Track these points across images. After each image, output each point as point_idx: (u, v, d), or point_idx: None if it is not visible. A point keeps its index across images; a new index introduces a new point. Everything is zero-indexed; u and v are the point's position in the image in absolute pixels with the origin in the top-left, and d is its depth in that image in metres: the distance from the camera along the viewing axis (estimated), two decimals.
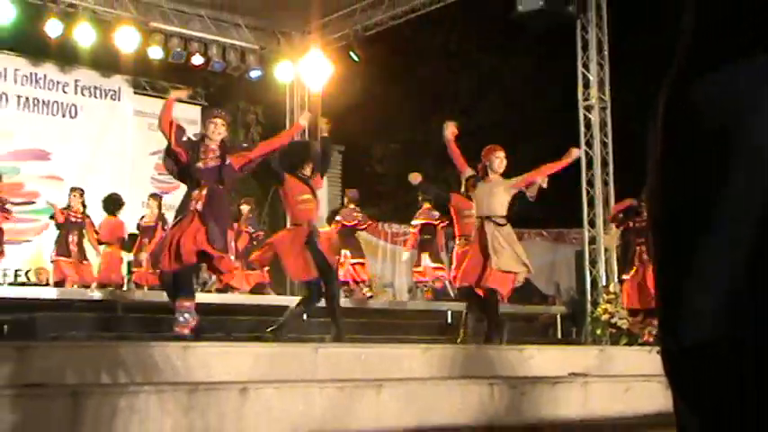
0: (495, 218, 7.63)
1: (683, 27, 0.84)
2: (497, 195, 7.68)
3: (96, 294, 10.29)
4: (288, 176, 7.57)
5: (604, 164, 10.45)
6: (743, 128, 0.77)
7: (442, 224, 11.51)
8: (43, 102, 13.88)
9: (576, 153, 8.40)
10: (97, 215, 12.01)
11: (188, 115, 15.21)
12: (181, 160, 6.65)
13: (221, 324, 8.37)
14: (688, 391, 0.80)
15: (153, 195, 12.73)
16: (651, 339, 8.99)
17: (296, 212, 7.65)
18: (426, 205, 11.82)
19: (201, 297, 7.86)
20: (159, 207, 12.34)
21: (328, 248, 7.94)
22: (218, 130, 6.76)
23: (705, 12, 0.82)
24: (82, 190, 11.85)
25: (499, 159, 7.77)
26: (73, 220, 11.58)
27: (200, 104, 15.39)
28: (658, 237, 0.85)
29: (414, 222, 12.04)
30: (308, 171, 7.69)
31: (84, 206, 11.80)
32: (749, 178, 0.77)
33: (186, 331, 6.41)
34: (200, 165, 6.63)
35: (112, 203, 11.88)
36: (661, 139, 0.84)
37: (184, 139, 6.72)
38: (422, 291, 12.60)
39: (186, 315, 6.46)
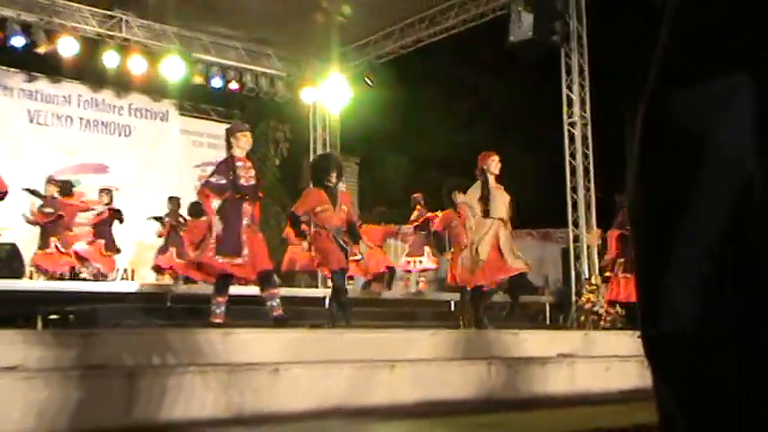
0: (500, 219, 7.61)
1: (659, 44, 0.83)
2: (501, 200, 7.66)
3: (148, 288, 10.31)
4: (313, 188, 7.55)
5: (586, 172, 10.41)
6: (712, 141, 0.76)
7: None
8: (102, 123, 13.92)
9: None
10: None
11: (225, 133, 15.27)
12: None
13: (255, 312, 8.36)
14: (664, 372, 0.79)
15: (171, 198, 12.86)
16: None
17: (317, 220, 7.58)
18: (419, 207, 11.83)
19: (243, 289, 7.89)
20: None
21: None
22: (249, 141, 6.79)
23: (680, 31, 0.80)
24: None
25: (494, 162, 7.75)
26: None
27: None
28: (637, 234, 0.83)
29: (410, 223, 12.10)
30: (333, 179, 7.64)
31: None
32: (717, 186, 0.75)
33: (218, 320, 6.51)
34: (242, 182, 6.64)
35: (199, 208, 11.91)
36: (638, 147, 0.83)
37: (219, 179, 6.71)
38: (416, 280, 12.58)
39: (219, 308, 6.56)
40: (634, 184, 0.82)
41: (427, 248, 12.19)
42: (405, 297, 11.86)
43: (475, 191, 7.76)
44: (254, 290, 7.28)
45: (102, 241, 11.33)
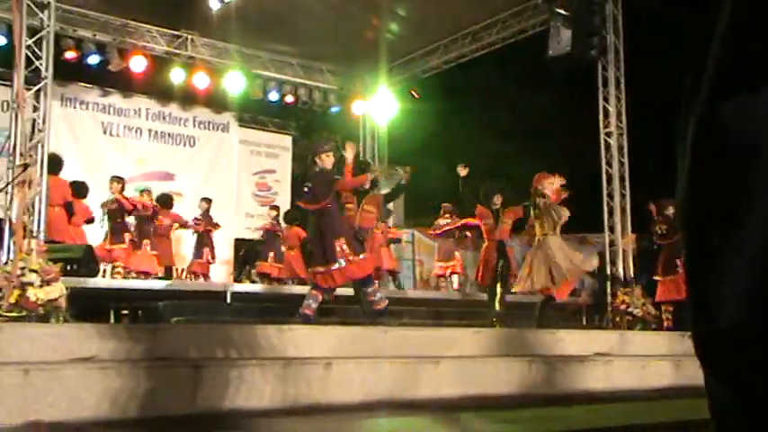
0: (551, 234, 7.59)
1: (710, 56, 0.80)
2: (552, 219, 7.63)
3: (211, 286, 10.43)
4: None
5: (622, 180, 10.25)
6: (765, 150, 0.74)
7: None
8: (169, 134, 14.11)
9: None
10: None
11: (281, 143, 15.40)
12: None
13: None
14: (717, 369, 0.77)
15: (273, 207, 13.03)
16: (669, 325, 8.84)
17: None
18: (447, 215, 12.06)
19: (299, 288, 7.93)
20: (276, 217, 12.60)
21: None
22: (332, 160, 6.85)
23: (731, 44, 0.78)
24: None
25: (550, 184, 7.69)
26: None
27: (291, 134, 15.52)
28: (688, 238, 0.81)
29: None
30: (367, 185, 7.71)
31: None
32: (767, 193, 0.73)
33: (305, 311, 6.56)
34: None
35: (293, 215, 12.02)
36: (690, 157, 0.81)
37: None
38: (448, 282, 12.62)
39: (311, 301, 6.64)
40: (686, 193, 0.80)
41: (456, 253, 12.27)
42: (446, 297, 11.81)
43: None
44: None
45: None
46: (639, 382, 5.80)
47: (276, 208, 13.10)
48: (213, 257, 12.41)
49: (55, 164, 8.68)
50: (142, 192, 11.54)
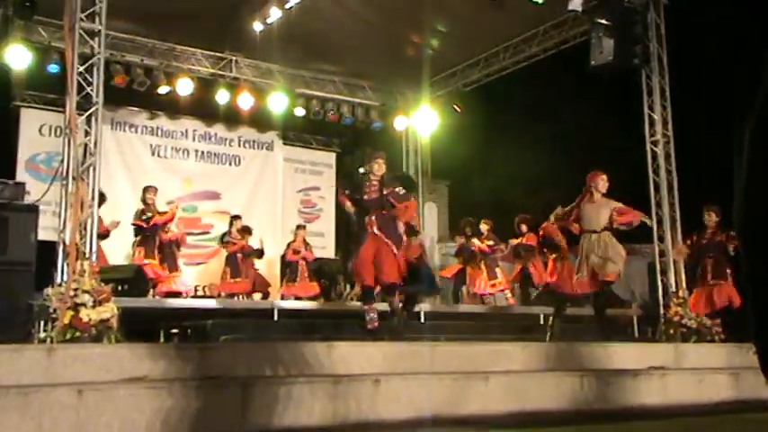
0: (599, 230, 7.56)
1: (763, 75, 0.76)
2: (603, 215, 7.63)
3: (257, 304, 10.46)
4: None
5: (670, 188, 10.03)
6: None
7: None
8: (215, 154, 14.25)
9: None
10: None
11: (325, 160, 15.46)
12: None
13: (358, 326, 8.35)
14: None
15: (299, 226, 13.03)
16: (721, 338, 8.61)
17: None
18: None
19: (343, 305, 7.92)
20: (303, 237, 12.62)
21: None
22: (381, 168, 6.92)
23: None
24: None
25: (603, 181, 7.77)
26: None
27: (335, 151, 15.58)
28: (748, 252, 0.77)
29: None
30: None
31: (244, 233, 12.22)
32: None
33: (371, 327, 6.60)
34: (366, 197, 6.80)
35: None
36: (747, 169, 0.77)
37: (351, 192, 6.91)
38: (496, 299, 12.56)
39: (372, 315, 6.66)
40: (744, 207, 0.76)
41: (499, 270, 12.19)
42: (495, 311, 11.68)
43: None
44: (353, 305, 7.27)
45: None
46: (697, 396, 5.63)
47: (303, 227, 13.08)
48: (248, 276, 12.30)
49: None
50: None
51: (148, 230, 10.64)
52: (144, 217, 10.63)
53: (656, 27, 10.22)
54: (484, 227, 12.57)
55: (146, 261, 10.40)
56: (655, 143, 10.15)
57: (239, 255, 12.04)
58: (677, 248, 9.62)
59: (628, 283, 12.63)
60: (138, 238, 10.69)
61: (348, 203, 6.97)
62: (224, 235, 12.28)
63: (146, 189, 11.01)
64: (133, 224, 10.68)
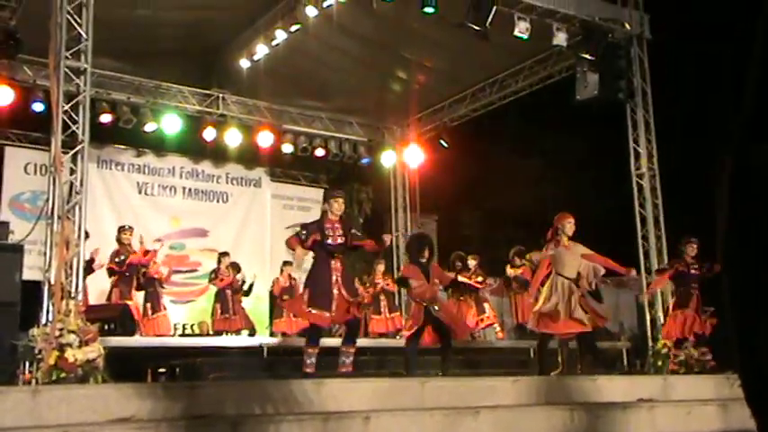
0: (571, 279, 7.55)
1: (743, 105, 0.80)
2: (572, 261, 7.61)
3: (246, 341, 10.41)
4: (409, 264, 7.64)
5: (656, 221, 10.14)
6: None
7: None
8: (202, 191, 14.26)
9: (633, 272, 8.55)
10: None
11: (313, 196, 15.50)
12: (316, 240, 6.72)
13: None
14: (765, 413, 0.75)
15: (285, 263, 13.00)
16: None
17: (412, 295, 7.68)
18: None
19: (332, 341, 7.91)
20: (289, 273, 12.60)
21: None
22: (340, 207, 6.84)
23: (763, 89, 0.78)
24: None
25: (570, 225, 7.71)
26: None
27: (323, 187, 15.64)
28: (731, 279, 0.80)
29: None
30: (425, 256, 7.73)
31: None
32: None
33: (309, 370, 6.49)
34: (330, 241, 6.68)
35: None
36: (728, 199, 0.80)
37: (309, 231, 6.77)
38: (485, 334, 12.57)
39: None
40: (726, 236, 0.79)
41: (486, 305, 12.21)
42: (485, 346, 11.67)
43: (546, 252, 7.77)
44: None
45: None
46: (685, 428, 5.64)
47: (289, 263, 13.03)
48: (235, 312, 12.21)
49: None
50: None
51: (125, 271, 10.50)
52: (117, 260, 10.32)
53: (639, 62, 10.41)
54: (472, 262, 12.61)
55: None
56: (640, 176, 10.27)
57: (228, 291, 12.00)
58: (655, 282, 9.62)
59: (616, 315, 12.69)
60: (114, 278, 10.51)
61: (299, 248, 6.74)
62: (213, 272, 12.23)
63: (120, 229, 10.65)
64: (108, 267, 10.49)
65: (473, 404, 5.46)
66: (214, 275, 12.08)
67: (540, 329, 7.70)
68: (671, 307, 9.33)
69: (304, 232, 6.74)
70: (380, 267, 12.82)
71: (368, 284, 12.52)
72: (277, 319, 12.39)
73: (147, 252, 10.67)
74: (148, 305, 10.87)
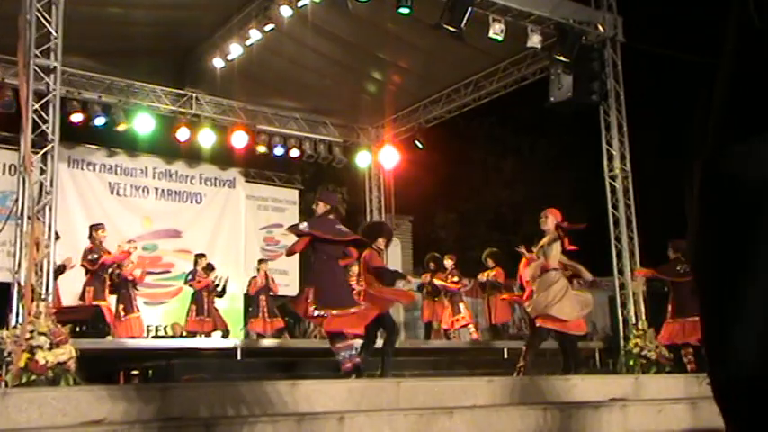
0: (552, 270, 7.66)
1: (714, 106, 0.82)
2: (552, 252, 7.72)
3: (220, 343, 10.36)
4: (368, 249, 7.64)
5: (629, 223, 10.24)
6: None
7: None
8: (175, 192, 14.17)
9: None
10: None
11: (288, 197, 15.48)
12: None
13: (322, 364, 8.33)
14: (734, 414, 0.76)
15: (261, 261, 12.99)
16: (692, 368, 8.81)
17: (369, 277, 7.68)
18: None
19: (307, 342, 7.89)
20: (266, 271, 12.57)
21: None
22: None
23: (737, 88, 0.79)
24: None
25: (545, 219, 7.87)
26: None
27: (297, 188, 15.63)
28: (702, 285, 0.81)
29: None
30: (381, 245, 7.77)
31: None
32: None
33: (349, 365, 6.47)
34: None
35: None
36: (698, 203, 0.81)
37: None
38: (460, 334, 12.63)
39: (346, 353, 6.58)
40: (696, 238, 0.80)
41: (462, 305, 12.27)
42: (459, 346, 11.72)
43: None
44: (319, 342, 7.24)
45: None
46: (656, 427, 5.71)
47: (265, 261, 13.04)
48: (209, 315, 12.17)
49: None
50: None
51: (98, 271, 10.40)
52: (90, 257, 10.29)
53: (613, 64, 10.52)
54: (448, 262, 12.66)
55: (94, 303, 10.10)
56: (613, 178, 10.38)
57: (204, 293, 11.95)
58: (636, 281, 9.79)
59: (589, 315, 12.81)
60: (88, 277, 10.45)
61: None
62: (189, 273, 12.13)
63: (93, 227, 10.64)
64: (81, 265, 10.42)
65: (448, 404, 5.50)
66: (191, 277, 11.99)
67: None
68: (669, 314, 9.42)
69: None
70: (355, 269, 12.82)
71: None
72: (253, 318, 12.35)
73: (122, 253, 10.66)
74: (121, 306, 10.77)
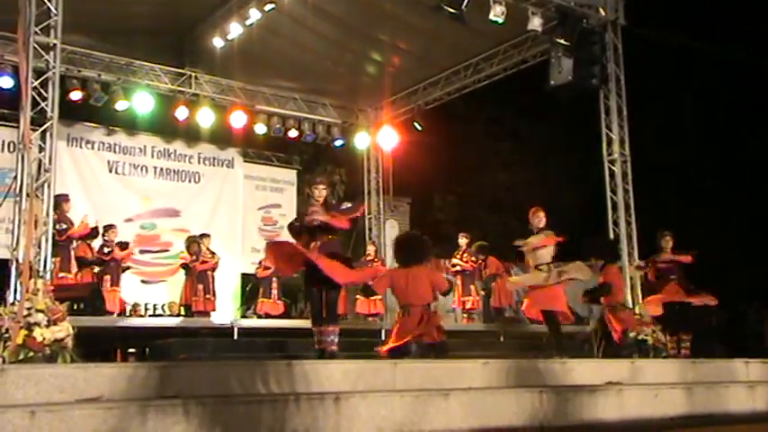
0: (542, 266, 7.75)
1: None
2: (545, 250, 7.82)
3: (218, 322, 10.37)
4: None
5: (627, 207, 10.23)
6: None
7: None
8: (174, 171, 14.12)
9: None
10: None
11: (286, 177, 15.43)
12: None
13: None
14: None
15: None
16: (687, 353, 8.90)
17: None
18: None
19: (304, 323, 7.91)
20: None
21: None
22: (321, 193, 6.82)
23: None
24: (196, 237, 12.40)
25: (538, 219, 7.94)
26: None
27: (295, 168, 15.58)
28: None
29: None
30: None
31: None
32: None
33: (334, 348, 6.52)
34: (307, 223, 6.71)
35: None
36: None
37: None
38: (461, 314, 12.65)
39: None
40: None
41: (473, 287, 12.22)
42: (456, 329, 11.74)
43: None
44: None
45: None
46: (652, 411, 5.73)
47: None
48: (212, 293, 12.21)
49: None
50: None
51: (63, 242, 10.02)
52: (58, 227, 9.75)
53: (613, 48, 10.47)
54: (463, 240, 12.55)
55: (60, 275, 9.84)
56: (612, 162, 10.36)
57: (209, 272, 12.02)
58: (634, 265, 9.84)
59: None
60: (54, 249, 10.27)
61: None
62: (194, 254, 12.12)
63: (59, 197, 9.48)
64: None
65: (444, 386, 5.50)
66: (195, 258, 12.01)
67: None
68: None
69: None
70: (372, 248, 12.85)
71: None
72: (264, 299, 12.40)
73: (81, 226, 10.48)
74: (107, 277, 10.79)
